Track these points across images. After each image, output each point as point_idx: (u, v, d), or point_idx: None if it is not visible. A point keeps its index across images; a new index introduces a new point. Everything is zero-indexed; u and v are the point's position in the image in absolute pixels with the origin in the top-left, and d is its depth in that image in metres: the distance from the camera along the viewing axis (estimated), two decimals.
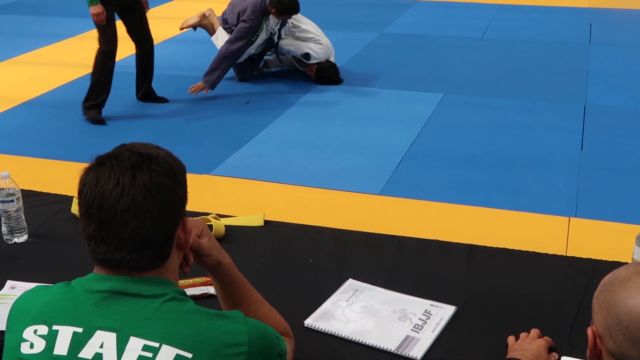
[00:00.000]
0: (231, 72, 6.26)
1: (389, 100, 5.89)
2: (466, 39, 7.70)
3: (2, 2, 9.87)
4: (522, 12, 8.93)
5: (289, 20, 6.17)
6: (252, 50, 6.16)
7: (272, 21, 6.12)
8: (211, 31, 6.48)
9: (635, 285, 1.16)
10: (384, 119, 5.48)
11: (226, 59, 5.87)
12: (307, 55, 6.20)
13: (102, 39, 5.34)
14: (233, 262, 1.64)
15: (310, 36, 6.26)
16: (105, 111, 5.50)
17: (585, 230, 3.80)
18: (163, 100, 5.86)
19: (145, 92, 5.84)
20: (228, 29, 6.22)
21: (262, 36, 6.10)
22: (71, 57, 7.24)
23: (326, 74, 6.23)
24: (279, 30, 6.23)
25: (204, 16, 6.54)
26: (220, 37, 6.26)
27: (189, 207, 1.47)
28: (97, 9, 5.13)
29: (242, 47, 5.92)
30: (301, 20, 6.30)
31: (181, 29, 6.75)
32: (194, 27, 6.63)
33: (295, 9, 5.88)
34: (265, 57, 6.59)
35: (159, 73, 5.93)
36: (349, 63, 6.81)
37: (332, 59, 6.33)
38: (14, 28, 8.48)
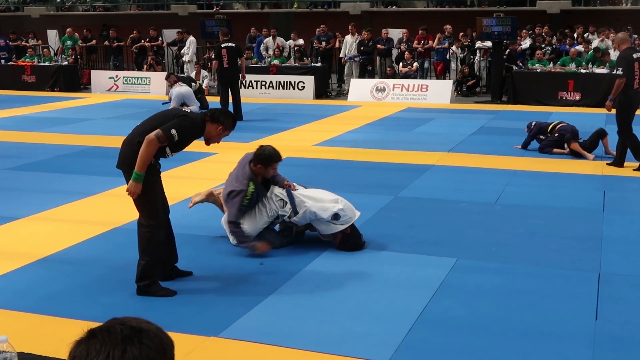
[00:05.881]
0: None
1: (402, 264, 5.90)
2: (480, 204, 7.79)
3: (33, 160, 10.25)
4: (536, 178, 9.06)
5: (298, 194, 6.21)
6: (264, 221, 6.25)
7: (277, 190, 6.25)
8: (221, 207, 6.63)
9: None
10: (396, 283, 5.47)
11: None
12: (336, 216, 6.17)
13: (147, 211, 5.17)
14: None
15: (328, 198, 6.30)
16: (118, 271, 5.54)
17: None
18: (187, 273, 5.63)
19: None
20: None
21: (272, 207, 6.21)
22: (92, 214, 7.41)
23: (352, 240, 6.21)
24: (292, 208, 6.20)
25: (211, 194, 6.75)
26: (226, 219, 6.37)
27: None
28: (140, 187, 5.00)
29: (236, 214, 6.05)
30: (308, 193, 6.32)
31: (190, 207, 6.88)
32: (202, 202, 6.80)
33: (277, 156, 6.09)
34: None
35: (175, 232, 5.78)
36: (363, 226, 6.84)
37: (357, 216, 6.31)
38: (40, 185, 8.74)
